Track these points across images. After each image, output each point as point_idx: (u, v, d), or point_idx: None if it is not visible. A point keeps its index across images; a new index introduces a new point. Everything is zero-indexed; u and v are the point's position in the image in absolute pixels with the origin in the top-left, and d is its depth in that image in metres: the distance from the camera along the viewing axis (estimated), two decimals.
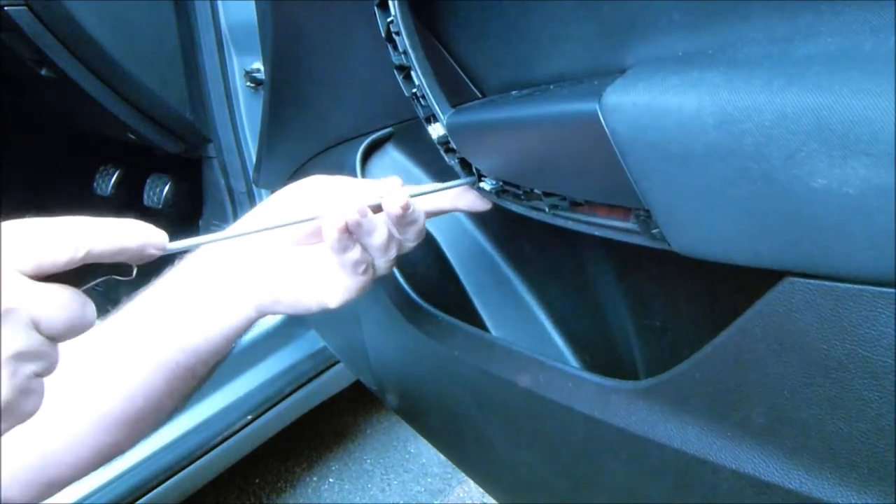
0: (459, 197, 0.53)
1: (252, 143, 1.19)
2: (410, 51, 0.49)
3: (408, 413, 0.84)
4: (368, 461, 1.54)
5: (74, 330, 0.32)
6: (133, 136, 1.27)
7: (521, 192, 0.48)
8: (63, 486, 0.46)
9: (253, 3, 0.81)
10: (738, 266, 0.32)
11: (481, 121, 0.48)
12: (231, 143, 1.21)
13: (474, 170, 0.52)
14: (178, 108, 1.20)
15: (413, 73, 0.50)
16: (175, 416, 1.00)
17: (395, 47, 0.50)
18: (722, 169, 0.30)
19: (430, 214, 0.52)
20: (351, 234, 0.45)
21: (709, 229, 0.32)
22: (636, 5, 0.36)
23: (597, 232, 0.42)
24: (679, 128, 0.31)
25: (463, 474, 1.21)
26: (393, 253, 0.48)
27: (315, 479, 1.51)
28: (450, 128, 0.50)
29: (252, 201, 1.24)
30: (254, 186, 1.22)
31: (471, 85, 0.55)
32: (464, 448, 0.73)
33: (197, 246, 0.40)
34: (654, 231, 0.36)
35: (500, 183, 0.50)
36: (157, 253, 0.35)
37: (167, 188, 1.52)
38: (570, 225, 0.45)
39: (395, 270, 0.66)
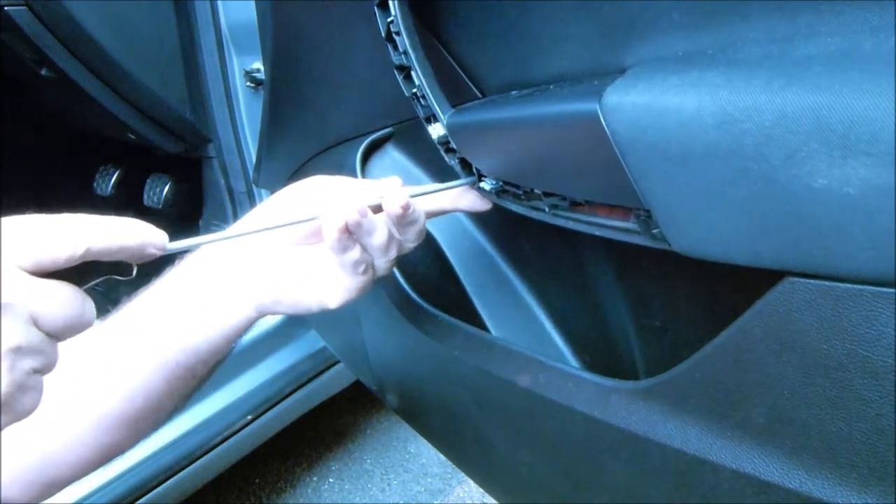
0: (460, 197, 0.53)
1: (252, 143, 1.19)
2: (410, 51, 0.49)
3: (408, 413, 0.84)
4: (368, 461, 1.54)
5: (73, 327, 0.32)
6: (133, 136, 1.27)
7: (521, 192, 0.48)
8: (63, 486, 0.46)
9: (253, 3, 0.81)
10: (738, 266, 0.32)
11: (481, 121, 0.48)
12: (231, 143, 1.21)
13: (474, 170, 0.52)
14: (178, 108, 1.20)
15: (413, 73, 0.50)
16: (175, 416, 1.00)
17: (395, 47, 0.50)
18: (722, 169, 0.30)
19: (431, 215, 0.52)
20: (351, 234, 0.45)
21: (709, 229, 0.32)
22: (636, 5, 0.36)
23: (597, 232, 0.42)
24: (679, 128, 0.31)
25: (463, 474, 1.21)
26: (393, 253, 0.48)
27: (315, 479, 1.51)
28: (450, 128, 0.50)
29: (252, 201, 1.24)
30: (254, 186, 1.22)
31: (471, 85, 0.55)
32: (464, 448, 0.73)
33: (197, 246, 0.40)
34: (654, 231, 0.36)
35: (500, 183, 0.50)
36: (157, 253, 0.35)
37: (167, 188, 1.52)
38: (570, 225, 0.45)
39: (396, 270, 0.66)
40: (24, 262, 0.30)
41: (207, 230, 1.27)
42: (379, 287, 0.68)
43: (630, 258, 0.57)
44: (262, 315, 0.50)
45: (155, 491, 1.05)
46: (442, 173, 0.54)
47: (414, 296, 0.66)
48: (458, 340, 0.60)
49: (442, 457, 1.31)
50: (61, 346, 0.33)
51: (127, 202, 1.61)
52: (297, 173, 0.84)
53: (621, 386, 0.44)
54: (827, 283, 0.28)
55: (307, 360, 1.24)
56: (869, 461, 0.30)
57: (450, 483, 1.47)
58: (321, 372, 1.26)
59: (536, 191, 0.46)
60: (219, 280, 0.49)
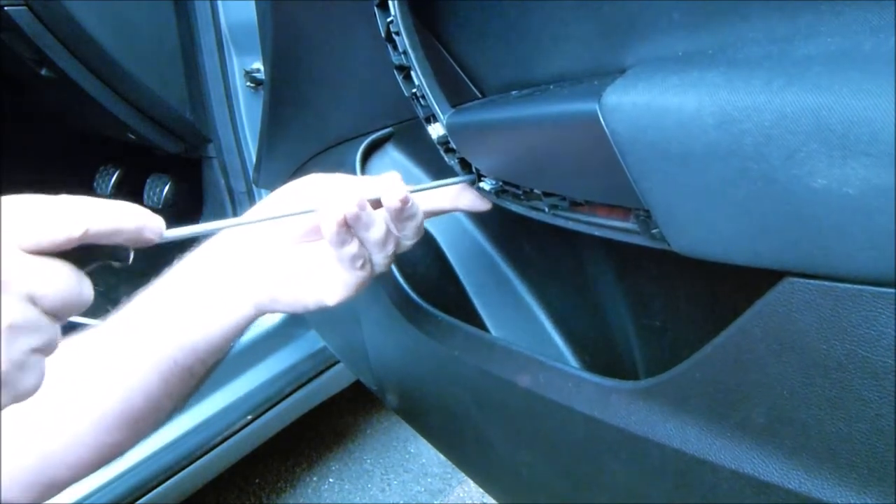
0: (459, 197, 0.53)
1: (252, 143, 1.19)
2: (410, 51, 0.49)
3: (408, 413, 0.84)
4: (368, 461, 1.54)
5: (71, 305, 0.32)
6: (133, 136, 1.27)
7: (520, 192, 0.48)
8: (63, 486, 0.46)
9: (253, 3, 0.81)
10: (738, 266, 0.32)
11: (481, 121, 0.48)
12: (231, 143, 1.21)
13: (474, 170, 0.52)
14: (178, 108, 1.20)
15: (413, 73, 0.50)
16: (175, 416, 1.00)
17: (395, 47, 0.50)
18: (722, 169, 0.30)
19: (430, 214, 0.52)
20: (349, 227, 0.45)
21: (709, 229, 0.32)
22: (636, 5, 0.36)
23: (597, 232, 0.42)
24: (679, 128, 0.31)
25: (463, 474, 1.21)
26: (391, 249, 0.48)
27: (315, 479, 1.51)
28: (450, 128, 0.50)
29: (252, 201, 1.24)
30: (254, 186, 1.22)
31: (471, 85, 0.55)
32: (464, 448, 0.73)
33: (195, 234, 0.40)
34: (654, 231, 0.36)
35: (500, 183, 0.50)
36: (155, 238, 0.35)
37: (167, 188, 1.52)
38: (570, 225, 0.45)
39: (395, 271, 0.66)
40: (23, 242, 0.30)
41: None
42: (379, 287, 0.68)
43: (630, 258, 0.57)
44: (260, 313, 0.50)
45: (155, 491, 1.05)
46: (442, 173, 0.54)
47: (414, 296, 0.66)
48: (458, 340, 0.60)
49: (442, 457, 1.31)
50: (61, 347, 0.33)
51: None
52: (297, 173, 0.84)
53: (621, 386, 0.44)
54: (827, 283, 0.28)
55: (307, 360, 1.24)
56: (868, 461, 0.30)
57: (450, 483, 1.47)
58: (321, 372, 1.26)
59: (536, 191, 0.46)
60: (217, 279, 0.49)
